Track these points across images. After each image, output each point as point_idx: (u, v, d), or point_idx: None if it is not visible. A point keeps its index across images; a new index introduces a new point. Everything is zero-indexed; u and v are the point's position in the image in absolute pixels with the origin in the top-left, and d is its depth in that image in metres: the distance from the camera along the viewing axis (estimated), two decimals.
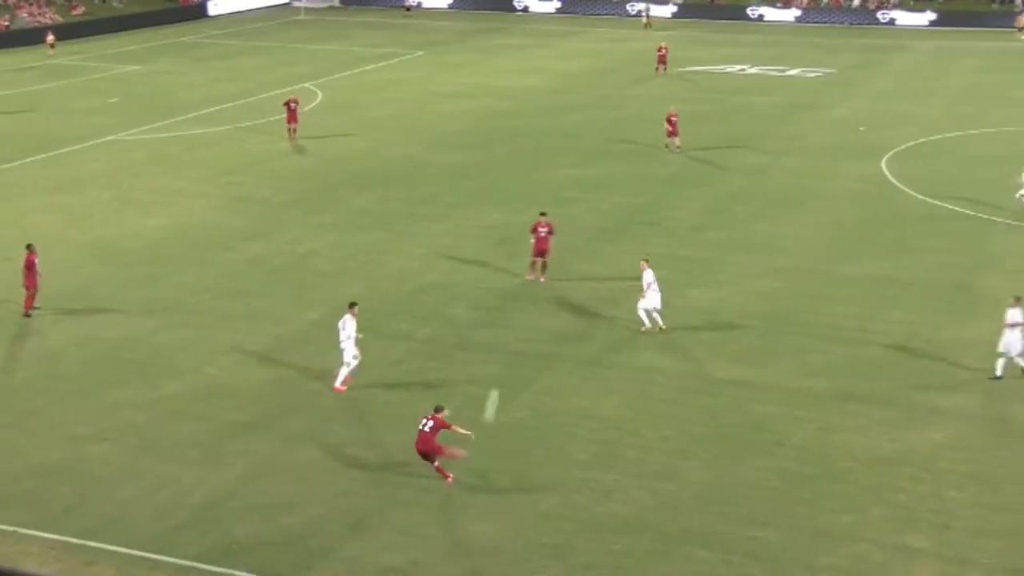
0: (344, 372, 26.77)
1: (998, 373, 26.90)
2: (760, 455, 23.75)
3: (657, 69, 66.98)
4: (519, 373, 27.74)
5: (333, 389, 26.74)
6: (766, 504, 21.98)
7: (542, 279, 33.46)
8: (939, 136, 51.71)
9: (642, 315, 29.77)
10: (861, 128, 53.08)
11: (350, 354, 26.69)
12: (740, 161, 47.56)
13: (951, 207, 40.36)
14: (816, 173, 45.86)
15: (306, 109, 58.50)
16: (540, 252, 33.33)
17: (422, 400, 26.02)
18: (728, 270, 34.61)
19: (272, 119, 55.91)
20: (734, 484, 22.67)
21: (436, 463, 22.55)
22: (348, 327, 26.70)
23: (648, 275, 29.86)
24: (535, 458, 23.74)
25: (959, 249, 36.43)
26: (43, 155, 49.18)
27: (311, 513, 21.75)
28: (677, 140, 48.44)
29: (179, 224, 39.41)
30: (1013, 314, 26.84)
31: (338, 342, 26.81)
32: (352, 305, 27.09)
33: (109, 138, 52.35)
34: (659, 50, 67.81)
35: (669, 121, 48.70)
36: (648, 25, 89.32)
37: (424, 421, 22.46)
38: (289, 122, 51.18)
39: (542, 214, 33.94)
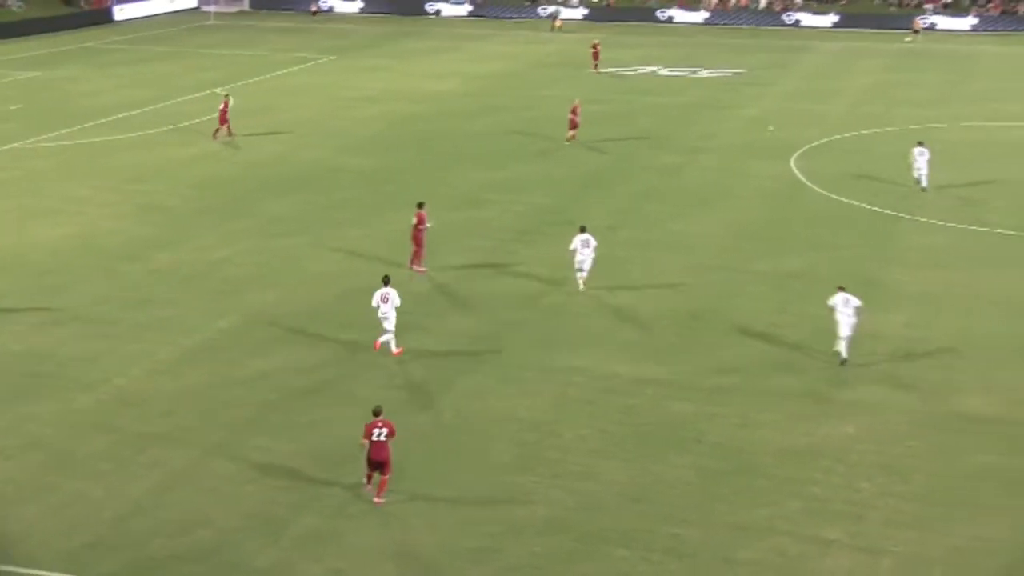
0: (392, 338, 28.44)
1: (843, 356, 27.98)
2: (678, 453, 23.77)
3: (594, 66, 69.01)
4: (439, 376, 27.49)
5: (394, 354, 28.44)
6: (685, 501, 21.98)
7: (422, 269, 34.42)
8: (845, 135, 52.50)
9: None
10: (770, 128, 53.70)
11: (392, 323, 28.36)
12: (653, 161, 47.82)
13: (857, 203, 40.93)
14: (728, 172, 46.26)
15: (216, 114, 57.74)
16: (415, 240, 34.47)
17: (340, 407, 25.74)
18: (643, 269, 34.71)
19: (181, 125, 55.09)
20: (653, 482, 22.65)
21: (385, 476, 21.92)
22: (393, 298, 28.26)
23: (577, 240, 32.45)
24: (456, 462, 23.51)
25: (866, 244, 36.95)
26: None
27: (226, 526, 21.24)
28: (572, 133, 50.36)
29: (85, 233, 38.49)
30: (836, 299, 28.14)
31: (381, 315, 28.22)
32: (387, 279, 28.80)
33: (11, 146, 51.06)
34: (593, 47, 69.79)
35: (573, 112, 50.26)
36: (557, 28, 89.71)
37: (376, 431, 21.74)
38: (221, 122, 51.52)
39: (419, 205, 34.73)
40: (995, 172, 45.69)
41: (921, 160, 42.55)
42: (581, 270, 32.56)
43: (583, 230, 32.70)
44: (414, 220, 34.48)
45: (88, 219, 40.02)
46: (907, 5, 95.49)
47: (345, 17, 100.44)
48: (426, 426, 25.00)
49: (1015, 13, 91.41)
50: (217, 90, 63.37)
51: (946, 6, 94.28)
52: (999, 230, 38.06)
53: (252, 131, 53.93)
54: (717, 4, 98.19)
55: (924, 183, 42.34)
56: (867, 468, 23.14)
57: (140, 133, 53.55)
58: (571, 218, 39.37)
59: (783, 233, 38.05)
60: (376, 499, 22.04)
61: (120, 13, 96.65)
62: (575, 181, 44.68)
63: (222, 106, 51.83)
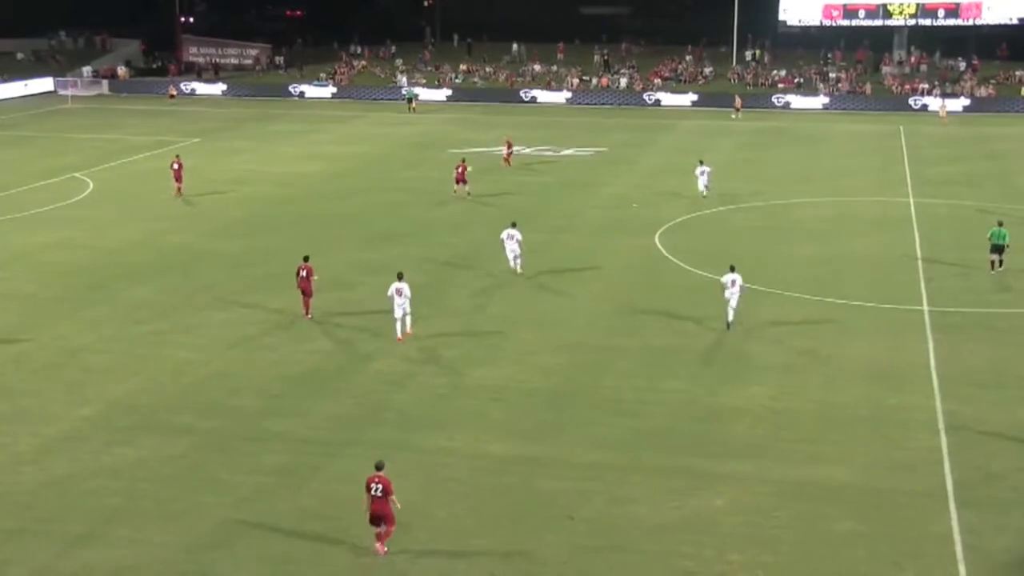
0: (408, 320, 35.02)
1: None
2: (551, 531, 23.94)
3: (505, 161, 66.26)
4: (308, 461, 27.26)
5: (399, 339, 34.78)
6: None
7: (308, 316, 37.52)
8: (706, 211, 53.97)
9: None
10: (635, 205, 54.93)
11: (404, 310, 34.90)
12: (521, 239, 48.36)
13: (720, 278, 41.98)
14: (593, 249, 47.12)
15: (76, 199, 56.88)
16: (304, 291, 37.54)
17: (207, 495, 25.34)
18: (512, 347, 35.04)
19: (38, 211, 54.03)
20: (526, 561, 22.74)
21: (389, 528, 22.65)
22: (406, 291, 34.65)
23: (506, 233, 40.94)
24: (327, 546, 23.28)
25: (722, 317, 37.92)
26: None
27: None
28: (466, 187, 56.63)
29: None
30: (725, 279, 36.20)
31: (396, 305, 34.63)
32: (401, 274, 35.08)
33: None
34: (507, 146, 67.05)
35: (457, 170, 56.76)
36: (413, 110, 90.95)
37: (373, 486, 22.44)
38: (176, 180, 56.78)
39: (305, 259, 37.74)
40: (848, 245, 47.46)
41: (702, 178, 55.18)
42: (515, 258, 41.44)
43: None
44: (303, 273, 37.20)
45: None
46: (763, 84, 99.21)
47: (207, 100, 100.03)
48: (292, 514, 24.74)
49: (863, 93, 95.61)
50: (77, 175, 62.37)
51: (799, 85, 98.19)
52: (855, 302, 39.46)
53: (113, 217, 53.18)
54: (579, 85, 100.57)
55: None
56: (736, 540, 23.57)
57: None
58: (439, 298, 39.65)
59: (649, 307, 38.82)
60: (381, 549, 22.67)
61: None
62: (441, 262, 45.01)
63: (176, 166, 56.96)
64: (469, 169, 57.61)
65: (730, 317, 36.14)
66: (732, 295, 35.95)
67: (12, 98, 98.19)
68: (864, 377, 32.72)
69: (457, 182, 56.67)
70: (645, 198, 56.99)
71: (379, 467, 22.96)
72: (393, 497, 22.78)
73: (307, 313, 37.55)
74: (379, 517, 22.66)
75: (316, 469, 26.82)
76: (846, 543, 23.59)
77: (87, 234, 49.76)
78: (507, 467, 26.92)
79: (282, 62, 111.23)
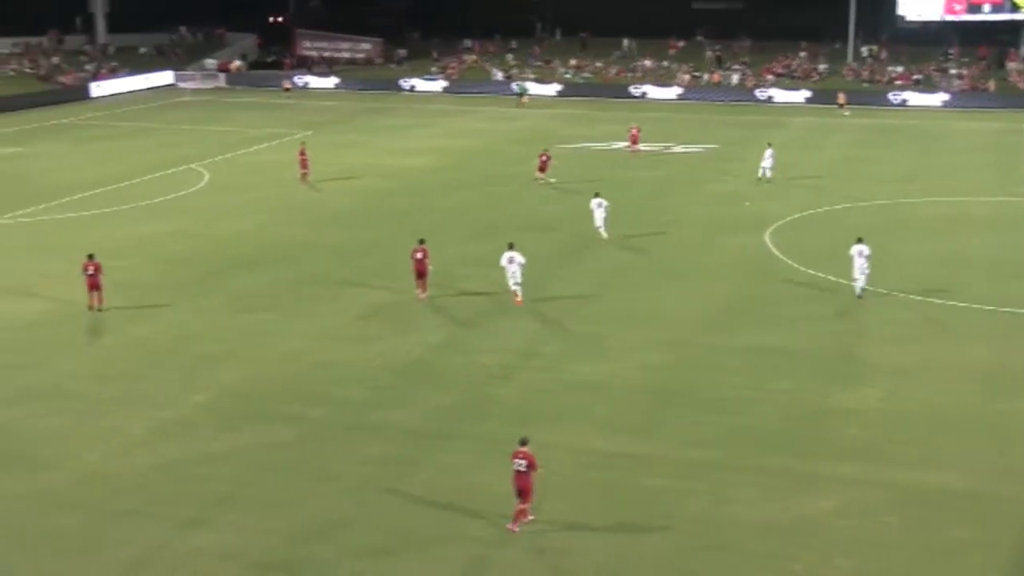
0: (519, 289, 37.58)
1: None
2: (655, 528, 23.73)
3: (631, 150, 69.02)
4: (413, 453, 27.42)
5: (517, 303, 37.50)
6: None
7: (424, 295, 38.82)
8: (817, 209, 53.04)
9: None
10: (747, 203, 54.20)
11: (518, 278, 37.59)
12: (626, 235, 48.14)
13: (831, 277, 41.28)
14: (701, 246, 46.63)
15: (192, 190, 58.06)
16: (419, 273, 38.99)
17: (313, 483, 25.65)
18: (616, 344, 34.83)
19: (158, 200, 55.27)
20: (631, 559, 22.59)
21: (522, 506, 23.15)
22: (518, 259, 37.49)
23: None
24: (430, 537, 23.38)
25: (840, 319, 37.23)
26: None
27: None
28: (547, 176, 58.54)
29: (58, 309, 38.39)
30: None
31: (510, 275, 37.71)
32: (512, 244, 38.04)
33: None
34: (631, 130, 70.20)
35: (541, 159, 58.54)
36: (523, 104, 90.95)
37: (516, 461, 23.11)
38: (302, 167, 59.44)
39: (420, 241, 39.40)
40: (963, 246, 46.25)
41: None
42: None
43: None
44: (419, 255, 38.88)
45: (60, 295, 39.90)
46: (879, 81, 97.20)
47: (320, 93, 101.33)
48: (399, 501, 24.90)
49: (986, 90, 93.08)
50: (193, 166, 63.71)
51: (917, 82, 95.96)
52: (970, 304, 38.44)
53: (227, 207, 54.18)
54: (690, 81, 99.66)
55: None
56: (845, 544, 23.12)
57: (116, 208, 53.67)
58: (550, 294, 39.58)
59: (756, 307, 38.28)
60: (514, 526, 23.22)
61: (97, 90, 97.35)
62: (550, 255, 44.89)
63: (301, 154, 59.91)
64: (553, 162, 59.45)
65: (859, 286, 38.38)
66: (860, 267, 38.06)
67: (135, 91, 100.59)
68: (978, 380, 31.85)
69: (540, 170, 58.60)
70: (755, 195, 56.23)
71: (523, 443, 23.41)
72: (535, 473, 23.17)
73: (423, 291, 38.82)
74: (519, 490, 23.17)
75: (420, 461, 26.96)
76: (958, 551, 23.00)
77: (201, 224, 50.74)
78: (610, 463, 26.77)
79: (395, 56, 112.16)
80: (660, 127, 78.77)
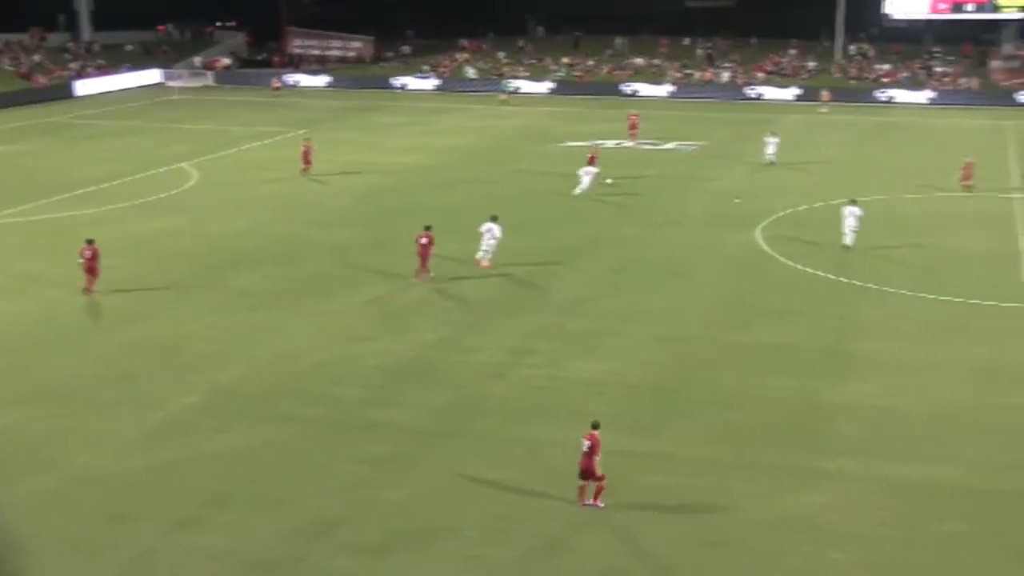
0: (486, 256, 40.48)
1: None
2: (657, 525, 23.54)
3: (630, 136, 71.75)
4: (410, 451, 27.17)
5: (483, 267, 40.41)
6: (669, 572, 21.79)
7: (430, 275, 40.18)
8: (812, 205, 52.95)
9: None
10: (736, 200, 54.06)
11: (488, 245, 40.93)
12: (622, 233, 48.00)
13: (823, 274, 41.19)
14: (696, 244, 46.48)
15: (184, 188, 57.79)
16: (422, 258, 40.34)
17: (308, 483, 25.42)
18: (616, 341, 34.63)
19: (149, 199, 54.99)
20: (635, 556, 22.39)
21: (593, 483, 24.03)
22: (496, 232, 40.87)
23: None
24: (427, 536, 23.14)
25: (834, 314, 37.09)
26: None
27: None
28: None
29: (50, 309, 38.04)
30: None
31: (484, 240, 40.56)
32: (495, 216, 40.63)
33: None
34: (631, 117, 72.86)
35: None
36: (503, 101, 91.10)
37: (585, 442, 24.03)
38: (304, 162, 60.39)
39: (427, 227, 40.35)
40: (955, 242, 46.20)
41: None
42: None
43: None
44: (424, 240, 40.07)
45: (53, 294, 39.60)
46: (867, 79, 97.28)
47: (311, 92, 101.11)
48: (394, 501, 24.67)
49: (968, 88, 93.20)
50: (183, 164, 63.42)
51: (903, 80, 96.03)
52: (963, 299, 38.34)
53: (220, 206, 53.90)
54: (681, 78, 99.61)
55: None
56: (840, 538, 23.00)
57: (106, 208, 53.33)
58: (544, 289, 39.45)
59: (754, 303, 38.13)
60: (595, 503, 24.17)
61: (82, 88, 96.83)
62: (545, 252, 44.73)
63: (304, 148, 60.75)
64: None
65: (847, 241, 42.48)
66: (849, 225, 42.12)
67: (121, 89, 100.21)
68: (975, 376, 31.75)
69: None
70: (748, 192, 56.13)
71: (595, 426, 24.34)
72: (598, 457, 23.91)
73: (425, 269, 40.34)
74: (583, 471, 24.02)
75: (418, 459, 26.72)
76: (954, 544, 22.89)
77: (195, 222, 50.43)
78: (610, 461, 26.49)
79: (385, 54, 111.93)
80: (652, 124, 78.65)
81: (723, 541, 22.98)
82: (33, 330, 36.05)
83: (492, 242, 41.44)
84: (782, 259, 43.52)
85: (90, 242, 39.39)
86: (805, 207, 52.59)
